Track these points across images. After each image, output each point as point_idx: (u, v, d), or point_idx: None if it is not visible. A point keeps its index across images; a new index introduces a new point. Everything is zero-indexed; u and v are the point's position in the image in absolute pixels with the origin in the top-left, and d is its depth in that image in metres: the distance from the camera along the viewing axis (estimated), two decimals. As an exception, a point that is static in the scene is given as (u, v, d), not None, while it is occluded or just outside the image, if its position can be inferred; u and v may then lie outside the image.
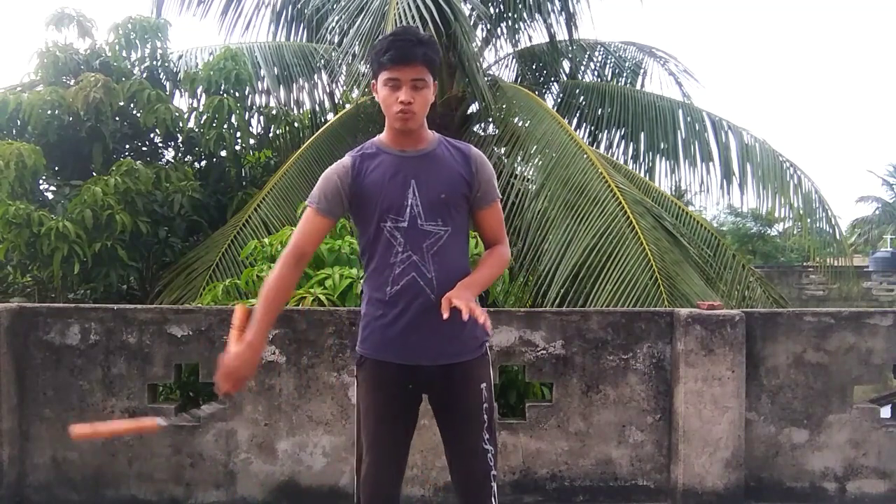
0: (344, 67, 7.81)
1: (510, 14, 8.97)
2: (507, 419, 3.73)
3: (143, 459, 3.53)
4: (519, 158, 7.66)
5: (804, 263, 23.07)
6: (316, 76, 9.28)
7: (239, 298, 4.78)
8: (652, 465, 3.62)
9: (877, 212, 34.27)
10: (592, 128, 9.27)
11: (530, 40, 9.74)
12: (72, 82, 7.27)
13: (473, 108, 8.48)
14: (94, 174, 6.72)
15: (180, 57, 8.67)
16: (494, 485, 2.20)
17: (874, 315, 3.69)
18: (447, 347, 2.15)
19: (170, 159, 7.86)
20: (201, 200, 7.14)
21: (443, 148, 2.18)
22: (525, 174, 7.67)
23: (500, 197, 2.33)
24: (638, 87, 10.01)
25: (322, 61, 8.90)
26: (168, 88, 8.09)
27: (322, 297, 4.05)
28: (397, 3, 6.39)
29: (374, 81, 2.14)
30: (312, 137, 8.08)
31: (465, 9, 7.44)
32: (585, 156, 7.03)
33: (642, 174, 8.80)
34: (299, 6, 9.45)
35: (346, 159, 2.18)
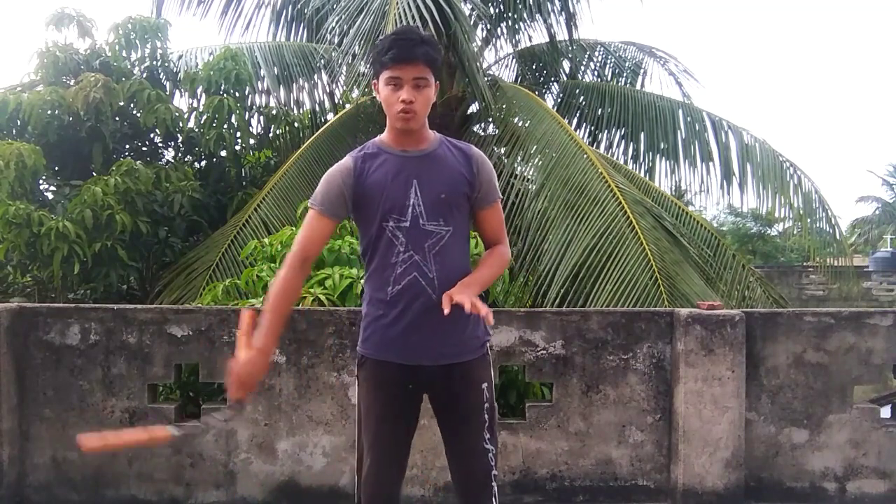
0: (344, 67, 7.80)
1: (510, 14, 8.96)
2: (507, 419, 3.73)
3: (143, 459, 3.53)
4: (519, 158, 7.65)
5: (804, 263, 23.08)
6: (316, 76, 9.27)
7: (239, 298, 4.78)
8: (652, 465, 3.62)
9: (877, 212, 34.29)
10: (592, 128, 9.26)
11: (530, 40, 9.75)
12: (72, 82, 7.27)
13: (473, 108, 8.48)
14: (94, 174, 6.72)
15: (180, 57, 8.66)
16: (495, 485, 2.20)
17: (874, 315, 3.69)
18: (448, 347, 2.15)
19: (170, 159, 7.86)
20: (201, 200, 7.14)
21: (444, 148, 2.18)
22: (525, 174, 7.66)
23: (501, 197, 2.33)
24: (638, 87, 10.01)
25: (322, 61, 8.89)
26: (168, 88, 8.09)
27: (322, 297, 4.05)
28: (397, 4, 6.39)
29: (375, 81, 2.14)
30: (312, 137, 8.07)
31: (466, 9, 7.43)
32: (585, 156, 7.02)
33: (642, 174, 8.79)
34: (299, 6, 9.45)
35: (348, 160, 2.17)
